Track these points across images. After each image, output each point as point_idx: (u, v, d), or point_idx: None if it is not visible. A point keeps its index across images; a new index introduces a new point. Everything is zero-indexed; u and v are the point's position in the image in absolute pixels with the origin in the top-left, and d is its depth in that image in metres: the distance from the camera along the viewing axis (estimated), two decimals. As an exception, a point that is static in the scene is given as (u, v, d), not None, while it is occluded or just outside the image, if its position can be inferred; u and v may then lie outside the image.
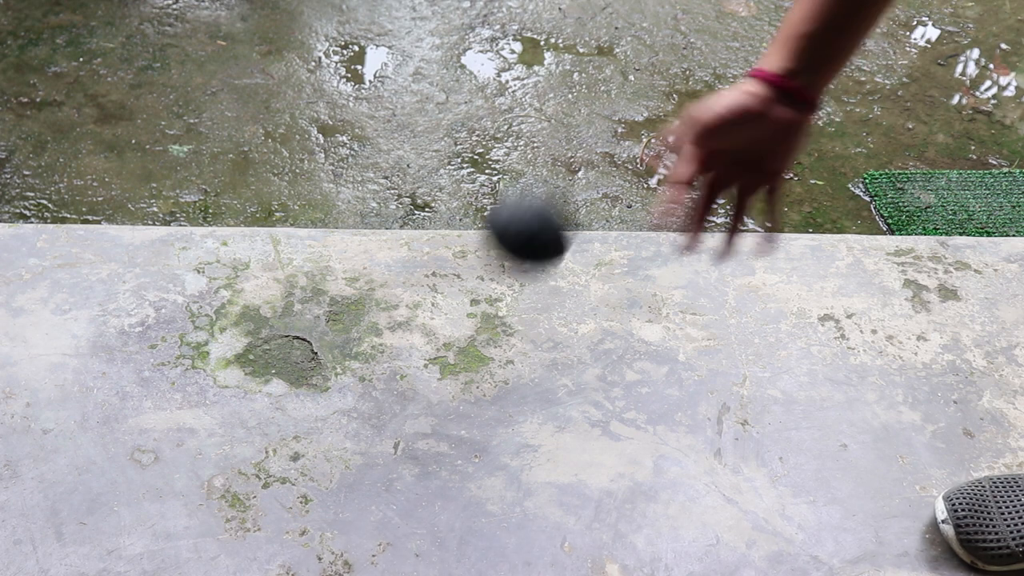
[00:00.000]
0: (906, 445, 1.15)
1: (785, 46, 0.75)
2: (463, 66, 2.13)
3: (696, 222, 0.85)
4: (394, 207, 1.74)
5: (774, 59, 0.76)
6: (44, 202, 1.70)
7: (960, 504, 1.02)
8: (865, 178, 1.87)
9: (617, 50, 2.21)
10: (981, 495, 1.02)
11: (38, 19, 2.17)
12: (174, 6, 2.25)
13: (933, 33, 2.36)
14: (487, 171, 1.84)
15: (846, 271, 1.38)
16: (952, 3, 2.48)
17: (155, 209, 1.70)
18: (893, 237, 1.46)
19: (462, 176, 1.82)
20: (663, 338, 1.27)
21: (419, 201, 1.76)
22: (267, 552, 1.01)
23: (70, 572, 0.98)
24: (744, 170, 0.82)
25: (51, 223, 1.62)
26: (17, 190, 1.72)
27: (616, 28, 2.29)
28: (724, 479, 1.10)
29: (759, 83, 0.76)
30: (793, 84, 0.75)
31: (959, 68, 2.24)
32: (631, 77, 2.12)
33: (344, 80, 2.06)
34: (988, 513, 1.01)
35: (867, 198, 1.84)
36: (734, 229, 0.86)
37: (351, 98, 2.01)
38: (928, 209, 1.79)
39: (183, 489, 1.06)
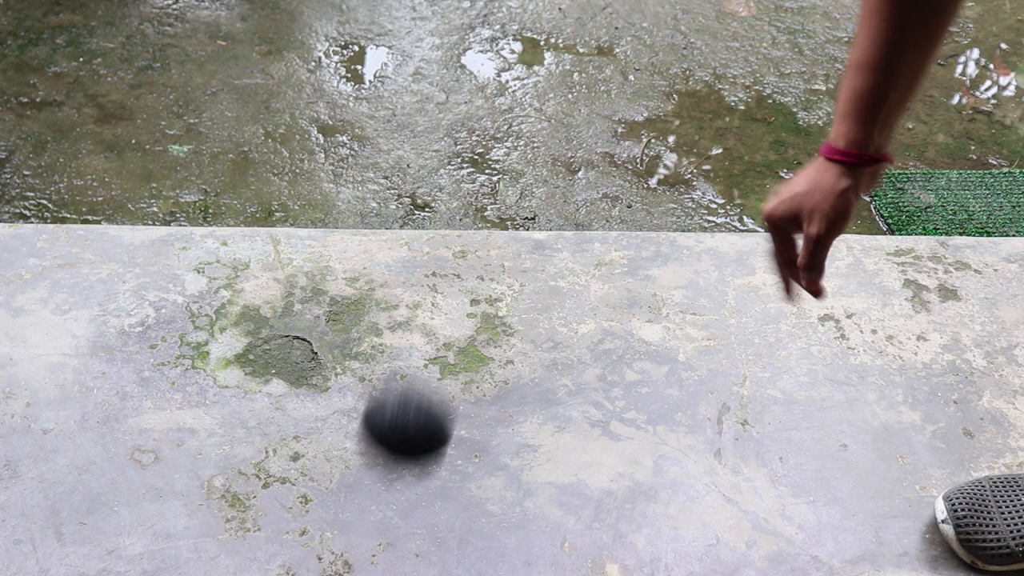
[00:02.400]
0: (906, 445, 1.15)
1: (849, 119, 0.78)
2: (463, 66, 2.13)
3: (787, 275, 0.89)
4: (394, 207, 1.74)
5: (843, 134, 0.79)
6: (44, 202, 1.70)
7: (960, 504, 1.02)
8: (865, 178, 1.87)
9: (617, 50, 2.21)
10: (981, 495, 1.02)
11: (38, 19, 2.17)
12: (174, 6, 2.25)
13: (933, 33, 2.35)
14: (487, 171, 1.84)
15: (846, 271, 1.38)
16: (952, 3, 2.47)
17: (155, 209, 1.70)
18: (893, 237, 1.46)
19: (462, 176, 1.82)
20: (663, 338, 1.27)
21: (419, 201, 1.76)
22: (267, 552, 1.01)
23: (70, 572, 0.98)
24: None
25: (51, 223, 1.62)
26: (17, 190, 1.72)
27: (616, 28, 2.29)
28: (724, 479, 1.10)
29: (834, 164, 0.79)
30: (868, 154, 0.79)
31: (959, 68, 2.24)
32: (631, 77, 2.12)
33: (344, 80, 2.06)
34: (988, 513, 1.01)
35: (867, 198, 1.84)
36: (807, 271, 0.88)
37: (351, 98, 2.01)
38: (928, 209, 1.79)
39: (183, 489, 1.06)
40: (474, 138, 1.92)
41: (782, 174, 1.88)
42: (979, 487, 1.03)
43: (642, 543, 1.04)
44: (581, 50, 2.21)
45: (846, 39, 2.30)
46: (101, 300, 1.26)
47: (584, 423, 1.16)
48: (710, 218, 1.77)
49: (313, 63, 2.11)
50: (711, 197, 1.81)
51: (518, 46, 2.21)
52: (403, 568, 1.00)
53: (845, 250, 1.41)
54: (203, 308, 1.26)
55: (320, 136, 1.90)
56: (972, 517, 1.01)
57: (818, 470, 1.12)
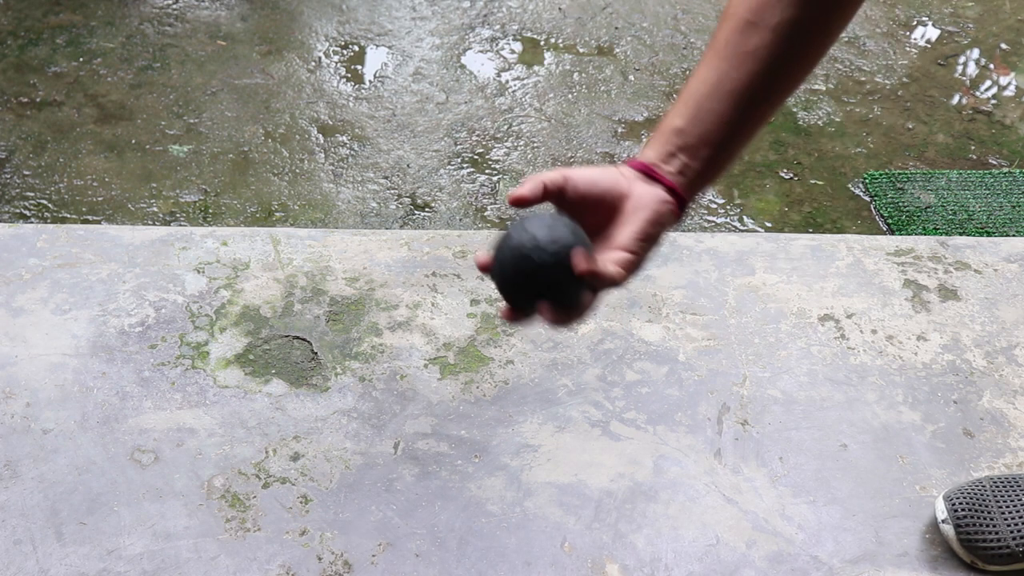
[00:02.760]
0: (906, 445, 1.15)
1: (659, 138, 0.75)
2: (463, 66, 2.13)
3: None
4: (394, 207, 1.74)
5: (647, 150, 0.76)
6: (44, 202, 1.70)
7: (960, 504, 1.02)
8: (865, 178, 1.87)
9: (617, 50, 2.21)
10: (981, 495, 1.02)
11: (38, 19, 2.17)
12: (174, 6, 2.25)
13: (933, 33, 2.36)
14: (487, 171, 1.84)
15: (846, 271, 1.38)
16: (952, 3, 2.48)
17: (155, 209, 1.70)
18: (893, 237, 1.46)
19: (462, 176, 1.82)
20: (663, 338, 1.27)
21: (419, 201, 1.76)
22: (267, 552, 1.01)
23: (70, 572, 0.98)
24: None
25: (51, 223, 1.62)
26: (17, 190, 1.72)
27: (616, 28, 2.29)
28: (724, 479, 1.10)
29: (629, 168, 0.76)
30: (658, 174, 0.74)
31: (959, 68, 2.24)
32: (631, 77, 2.12)
33: (344, 80, 2.06)
34: (988, 513, 1.01)
35: (867, 198, 1.84)
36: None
37: (351, 98, 2.01)
38: (928, 209, 1.79)
39: (183, 489, 1.06)
40: (474, 138, 1.92)
41: (782, 174, 1.88)
42: (979, 487, 1.04)
43: (642, 543, 1.04)
44: (581, 50, 2.21)
45: (846, 39, 2.30)
46: (101, 300, 1.26)
47: (584, 423, 1.16)
48: (710, 218, 1.77)
49: (313, 63, 2.11)
50: (711, 197, 1.81)
51: (518, 46, 2.21)
52: (403, 568, 1.00)
53: (845, 250, 1.41)
54: (203, 308, 1.26)
55: (320, 136, 1.90)
56: (972, 517, 1.01)
57: (818, 470, 1.12)
